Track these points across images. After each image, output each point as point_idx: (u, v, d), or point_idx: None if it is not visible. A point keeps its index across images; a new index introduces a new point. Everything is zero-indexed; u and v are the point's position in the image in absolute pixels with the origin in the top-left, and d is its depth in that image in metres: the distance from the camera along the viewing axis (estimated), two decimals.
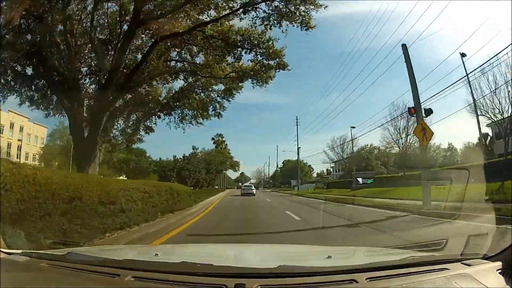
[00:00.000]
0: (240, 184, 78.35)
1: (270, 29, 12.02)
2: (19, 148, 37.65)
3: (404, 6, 48.92)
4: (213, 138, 61.07)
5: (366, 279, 1.20)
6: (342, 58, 57.37)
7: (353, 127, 33.12)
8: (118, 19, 12.32)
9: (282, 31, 11.89)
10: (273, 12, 11.44)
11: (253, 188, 31.17)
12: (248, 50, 12.69)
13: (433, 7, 29.68)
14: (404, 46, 11.68)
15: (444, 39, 48.65)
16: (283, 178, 68.93)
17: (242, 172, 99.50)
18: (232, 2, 11.56)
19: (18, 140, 37.67)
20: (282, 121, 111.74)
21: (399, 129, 26.99)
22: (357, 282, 1.18)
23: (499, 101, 16.77)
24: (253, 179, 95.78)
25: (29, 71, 11.50)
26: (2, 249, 1.59)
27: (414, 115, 11.51)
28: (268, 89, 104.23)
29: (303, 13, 11.25)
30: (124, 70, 12.41)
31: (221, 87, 15.01)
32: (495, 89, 16.44)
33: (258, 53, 12.68)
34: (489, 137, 21.43)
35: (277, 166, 71.15)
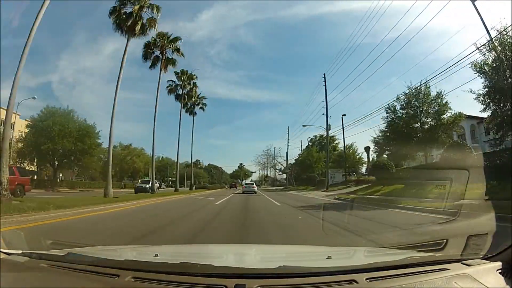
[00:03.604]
0: (235, 182, 69.34)
1: None
2: None
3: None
4: None
5: (366, 279, 1.20)
6: (341, 54, 57.55)
7: None
8: None
9: None
10: None
11: (254, 186, 33.29)
12: None
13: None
14: None
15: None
16: (335, 164, 37.69)
17: (241, 165, 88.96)
18: None
19: None
20: (281, 119, 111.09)
21: None
22: (357, 282, 1.18)
23: None
24: (256, 171, 79.95)
25: None
26: (2, 249, 1.59)
27: None
28: (266, 88, 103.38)
29: None
30: None
31: None
32: None
33: None
34: None
35: (327, 123, 31.44)
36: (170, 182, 37.20)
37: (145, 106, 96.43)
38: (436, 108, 19.14)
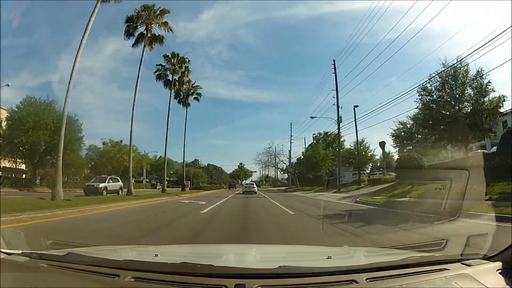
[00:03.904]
0: (234, 182, 69.47)
1: None
2: None
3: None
4: None
5: (366, 279, 1.20)
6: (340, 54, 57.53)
7: None
8: None
9: None
10: None
11: (254, 186, 33.04)
12: None
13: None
14: None
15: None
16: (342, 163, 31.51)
17: (241, 165, 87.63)
18: None
19: None
20: (281, 119, 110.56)
21: None
22: (357, 282, 1.18)
23: None
24: (256, 171, 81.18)
25: None
26: (2, 249, 1.58)
27: None
28: (266, 88, 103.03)
29: None
30: None
31: None
32: None
33: None
34: None
35: (338, 114, 27.21)
36: (168, 183, 34.47)
37: (145, 106, 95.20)
38: (478, 88, 15.92)
